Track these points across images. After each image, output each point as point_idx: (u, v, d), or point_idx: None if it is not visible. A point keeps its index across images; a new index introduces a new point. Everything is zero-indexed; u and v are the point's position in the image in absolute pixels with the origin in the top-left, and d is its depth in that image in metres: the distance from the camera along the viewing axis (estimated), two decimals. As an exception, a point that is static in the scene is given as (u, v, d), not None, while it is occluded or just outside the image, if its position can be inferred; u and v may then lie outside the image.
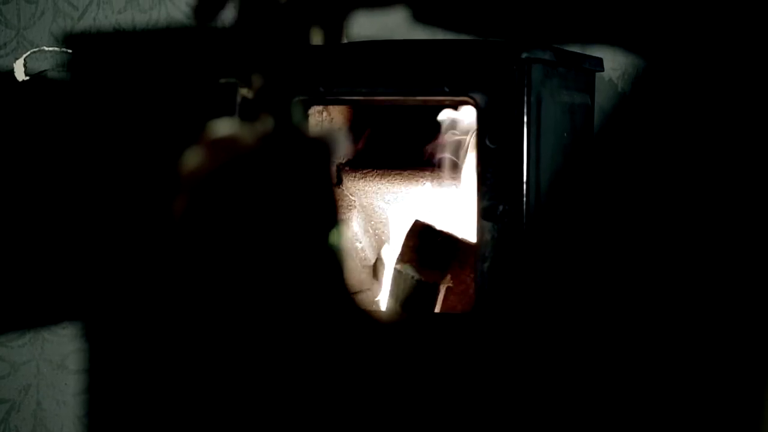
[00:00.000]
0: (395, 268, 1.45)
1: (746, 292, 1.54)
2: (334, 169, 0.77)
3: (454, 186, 1.48)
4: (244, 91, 1.00)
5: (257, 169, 0.72)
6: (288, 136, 0.75)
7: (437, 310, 1.41)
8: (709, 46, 1.56)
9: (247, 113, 0.80)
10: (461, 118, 1.47)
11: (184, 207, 0.72)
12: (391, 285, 1.45)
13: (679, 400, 1.57)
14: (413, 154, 1.55)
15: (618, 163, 1.60)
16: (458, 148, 1.47)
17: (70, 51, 1.72)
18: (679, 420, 1.57)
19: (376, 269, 1.60)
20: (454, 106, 1.46)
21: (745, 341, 1.53)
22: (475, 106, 1.28)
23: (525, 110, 1.27)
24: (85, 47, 1.71)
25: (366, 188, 1.57)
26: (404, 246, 1.45)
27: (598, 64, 1.49)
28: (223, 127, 0.77)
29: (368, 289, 1.59)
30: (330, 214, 0.74)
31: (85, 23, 1.72)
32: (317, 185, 0.74)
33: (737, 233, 1.54)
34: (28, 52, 1.73)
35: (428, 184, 1.51)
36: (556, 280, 1.38)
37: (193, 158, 0.74)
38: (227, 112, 0.78)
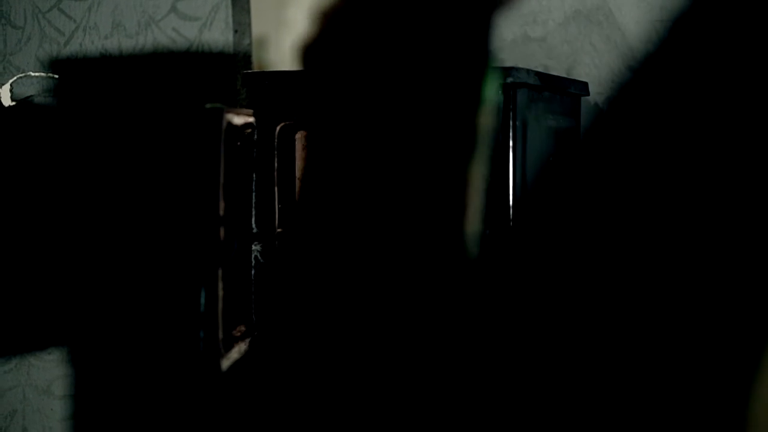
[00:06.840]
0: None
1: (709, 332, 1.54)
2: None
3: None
4: (229, 116, 1.00)
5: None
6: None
7: None
8: (692, 70, 1.56)
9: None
10: None
11: None
12: None
13: None
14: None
15: (603, 187, 1.61)
16: None
17: (56, 76, 1.72)
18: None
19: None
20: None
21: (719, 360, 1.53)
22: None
23: (510, 134, 1.27)
24: (72, 72, 1.71)
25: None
26: None
27: (584, 88, 1.50)
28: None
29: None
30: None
31: (72, 49, 1.72)
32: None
33: (718, 253, 1.55)
34: (15, 78, 1.73)
35: None
36: (544, 303, 1.38)
37: None
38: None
